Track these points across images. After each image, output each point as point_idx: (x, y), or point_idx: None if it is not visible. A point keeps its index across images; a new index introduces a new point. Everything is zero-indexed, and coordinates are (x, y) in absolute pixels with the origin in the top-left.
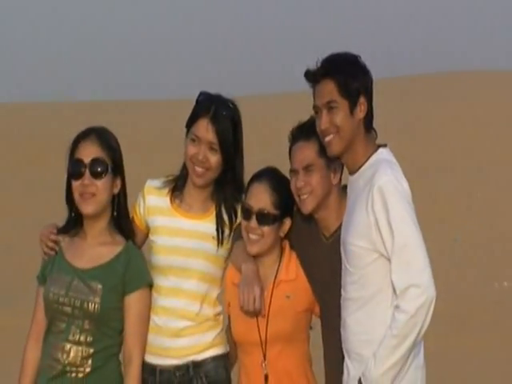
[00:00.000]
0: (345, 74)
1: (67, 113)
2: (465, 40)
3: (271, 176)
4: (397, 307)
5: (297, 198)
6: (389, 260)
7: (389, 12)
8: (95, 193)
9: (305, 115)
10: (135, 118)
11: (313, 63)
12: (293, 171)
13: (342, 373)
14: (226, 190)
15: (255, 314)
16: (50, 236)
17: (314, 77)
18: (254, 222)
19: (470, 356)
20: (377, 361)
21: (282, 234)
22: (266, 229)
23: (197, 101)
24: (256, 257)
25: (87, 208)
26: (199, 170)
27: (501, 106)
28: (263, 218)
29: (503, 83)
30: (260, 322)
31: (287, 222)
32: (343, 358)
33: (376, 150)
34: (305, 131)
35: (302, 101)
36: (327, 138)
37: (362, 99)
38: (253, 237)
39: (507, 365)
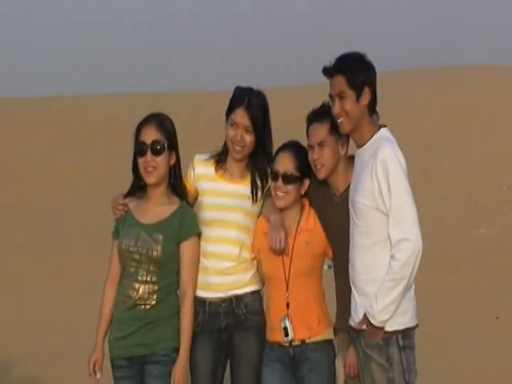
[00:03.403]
0: (352, 70)
1: (133, 103)
2: (463, 37)
3: (293, 146)
4: (392, 257)
5: (313, 168)
6: (387, 216)
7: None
8: (156, 166)
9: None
10: (187, 106)
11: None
12: (309, 146)
13: (349, 301)
14: (259, 161)
15: (281, 252)
16: (118, 201)
17: (328, 72)
18: (280, 182)
19: (453, 290)
20: (378, 299)
21: (302, 192)
22: (289, 187)
23: (233, 93)
24: (282, 210)
25: (150, 179)
26: (238, 148)
27: (486, 95)
28: (287, 178)
29: (497, 76)
30: (285, 261)
31: (306, 182)
32: (350, 290)
33: (378, 130)
34: (318, 115)
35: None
36: (339, 120)
37: (366, 89)
38: (279, 194)
39: (483, 298)
